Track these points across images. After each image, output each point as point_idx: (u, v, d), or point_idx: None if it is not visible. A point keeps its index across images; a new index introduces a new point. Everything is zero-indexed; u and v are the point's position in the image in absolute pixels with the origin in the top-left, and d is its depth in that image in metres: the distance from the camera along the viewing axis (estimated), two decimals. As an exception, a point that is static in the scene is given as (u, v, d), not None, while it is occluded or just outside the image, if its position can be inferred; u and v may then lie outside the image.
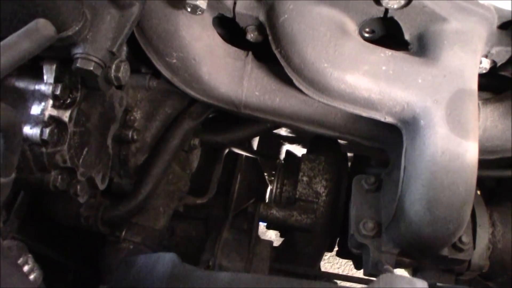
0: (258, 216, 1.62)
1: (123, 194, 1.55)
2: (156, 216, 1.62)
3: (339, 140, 1.84)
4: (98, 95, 1.25)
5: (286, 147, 2.43)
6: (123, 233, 1.55)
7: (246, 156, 2.07)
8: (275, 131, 2.20)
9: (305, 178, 1.67)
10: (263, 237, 1.75)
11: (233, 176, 2.00)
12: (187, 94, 1.45)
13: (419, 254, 1.33)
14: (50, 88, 1.11)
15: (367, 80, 1.18)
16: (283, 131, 2.23)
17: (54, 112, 1.12)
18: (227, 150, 1.94)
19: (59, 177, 1.18)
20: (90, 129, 1.26)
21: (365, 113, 1.24)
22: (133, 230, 1.57)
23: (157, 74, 1.47)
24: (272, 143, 2.42)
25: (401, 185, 1.23)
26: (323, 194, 1.65)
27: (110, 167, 1.41)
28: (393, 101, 1.19)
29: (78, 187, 1.24)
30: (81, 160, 1.23)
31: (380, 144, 1.43)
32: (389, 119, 1.24)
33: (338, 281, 1.74)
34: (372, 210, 1.40)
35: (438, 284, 1.10)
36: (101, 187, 1.36)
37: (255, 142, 2.28)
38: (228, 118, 1.72)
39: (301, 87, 1.27)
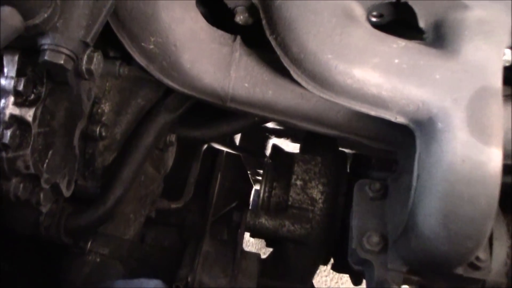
0: (244, 225, 1.61)
1: (87, 199, 1.54)
2: (126, 224, 1.60)
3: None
4: (64, 90, 1.22)
5: (273, 141, 2.42)
6: (89, 244, 1.54)
7: (227, 152, 2.06)
8: (260, 123, 2.21)
9: (298, 182, 1.66)
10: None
11: (212, 176, 2.00)
12: (163, 84, 1.43)
13: (430, 272, 1.34)
14: (12, 82, 1.07)
15: (377, 75, 1.17)
16: (270, 124, 2.22)
17: (16, 111, 1.09)
18: (205, 146, 1.93)
19: (21, 185, 1.15)
20: (55, 129, 1.24)
21: (373, 111, 1.23)
22: (100, 241, 1.56)
23: (128, 59, 1.45)
24: (257, 137, 2.41)
25: (413, 195, 1.23)
26: (320, 200, 1.65)
27: (76, 170, 1.38)
28: (406, 99, 1.18)
29: (41, 195, 1.21)
30: (45, 165, 1.20)
31: (388, 146, 1.43)
32: (400, 119, 1.23)
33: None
34: (376, 221, 1.40)
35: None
36: (67, 193, 1.34)
37: (237, 136, 2.27)
38: (209, 110, 1.71)
39: (299, 80, 1.25)
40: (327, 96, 1.24)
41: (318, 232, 1.65)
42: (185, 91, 1.43)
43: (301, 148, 1.86)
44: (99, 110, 1.47)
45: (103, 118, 1.46)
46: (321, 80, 1.22)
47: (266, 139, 2.43)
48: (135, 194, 1.63)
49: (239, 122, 1.71)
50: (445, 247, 1.20)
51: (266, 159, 1.90)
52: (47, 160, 1.21)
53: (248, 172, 2.24)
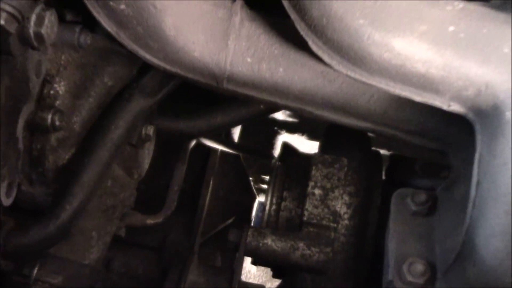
0: (243, 247, 1.59)
1: (35, 210, 1.53)
2: (86, 244, 1.60)
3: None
4: (6, 60, 1.20)
5: (283, 137, 2.41)
6: (35, 270, 1.53)
7: (222, 152, 2.05)
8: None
9: (317, 191, 1.65)
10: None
11: (203, 182, 1.99)
12: (138, 58, 1.43)
13: (494, 312, 1.33)
14: None
15: (425, 47, 1.16)
16: (279, 115, 2.21)
17: None
18: (193, 143, 1.92)
19: None
20: None
21: (419, 96, 1.22)
22: (51, 266, 1.55)
23: (91, 24, 1.44)
24: (263, 132, 2.41)
25: (471, 209, 1.21)
26: (345, 216, 1.64)
27: (20, 170, 1.37)
28: (464, 80, 1.17)
29: (-30, 204, 1.21)
30: (-24, 163, 1.19)
31: (437, 144, 1.42)
32: (455, 108, 1.22)
33: None
34: (421, 243, 1.39)
35: None
36: (6, 202, 1.33)
37: (236, 131, 2.26)
38: (200, 96, 1.70)
39: (320, 53, 1.24)
40: (357, 75, 1.24)
41: (343, 257, 1.63)
42: (168, 67, 1.43)
43: (321, 147, 1.84)
44: (52, 92, 1.45)
45: (57, 103, 1.46)
46: (350, 54, 1.21)
47: (274, 135, 2.42)
48: (99, 205, 1.62)
49: (238, 111, 1.72)
50: (513, 279, 1.18)
51: (274, 161, 1.88)
52: (-21, 156, 1.20)
53: (250, 178, 2.22)
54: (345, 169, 1.68)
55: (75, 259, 1.57)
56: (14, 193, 1.36)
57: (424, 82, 1.20)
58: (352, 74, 1.23)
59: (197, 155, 2.00)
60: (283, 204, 1.74)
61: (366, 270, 1.69)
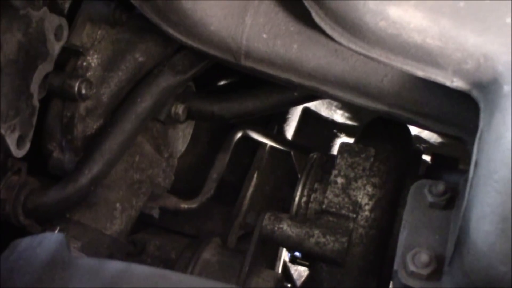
0: (258, 230, 1.56)
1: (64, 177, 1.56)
2: (108, 215, 1.62)
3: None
4: (17, 16, 1.23)
5: (342, 141, 2.36)
6: (56, 232, 1.53)
7: (272, 147, 2.02)
8: (325, 114, 2.15)
9: (340, 180, 1.59)
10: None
11: (247, 174, 1.96)
12: (171, 38, 1.45)
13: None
14: None
15: (421, 15, 1.10)
16: (338, 116, 2.16)
17: None
18: (240, 134, 1.91)
19: None
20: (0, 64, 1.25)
21: (420, 70, 1.17)
22: (72, 231, 1.57)
23: (128, 5, 1.46)
24: (320, 132, 2.36)
25: (468, 191, 1.14)
26: (366, 207, 1.57)
27: (34, 126, 1.40)
28: (462, 51, 1.10)
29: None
30: (-18, 107, 1.23)
31: (454, 130, 1.35)
32: (458, 83, 1.15)
33: None
34: (434, 236, 1.32)
35: None
36: (17, 152, 1.36)
37: (290, 129, 2.22)
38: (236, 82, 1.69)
39: (323, 25, 1.21)
40: (358, 47, 1.20)
41: (361, 250, 1.56)
42: (189, 41, 1.44)
43: (356, 137, 1.78)
44: (85, 64, 1.51)
45: (88, 74, 1.50)
46: (347, 24, 1.18)
47: (332, 137, 2.37)
48: (124, 178, 1.64)
49: (271, 97, 1.72)
50: (505, 268, 1.09)
51: (313, 154, 1.82)
52: (-16, 101, 1.24)
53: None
54: (372, 159, 1.62)
55: (96, 227, 1.59)
56: (26, 147, 1.40)
57: (423, 54, 1.15)
58: (353, 46, 1.20)
59: (246, 148, 1.98)
60: (312, 195, 1.68)
61: (390, 265, 1.61)
